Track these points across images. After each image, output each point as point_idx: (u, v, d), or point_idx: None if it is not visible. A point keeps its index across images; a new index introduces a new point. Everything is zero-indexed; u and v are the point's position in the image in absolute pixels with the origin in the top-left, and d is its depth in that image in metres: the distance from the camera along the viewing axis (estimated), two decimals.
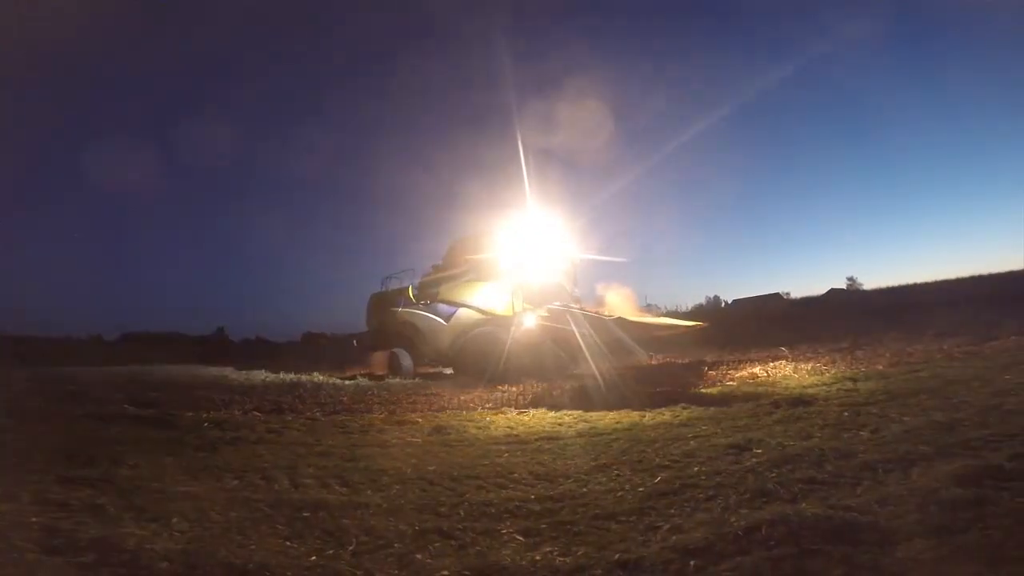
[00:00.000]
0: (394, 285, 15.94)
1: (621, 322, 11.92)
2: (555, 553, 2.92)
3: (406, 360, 14.19)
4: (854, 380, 7.96)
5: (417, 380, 13.00)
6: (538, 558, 2.85)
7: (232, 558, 2.87)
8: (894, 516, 3.06)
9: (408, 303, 14.98)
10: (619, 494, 3.80)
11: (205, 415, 7.07)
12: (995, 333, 12.97)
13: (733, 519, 3.15)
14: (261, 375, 12.94)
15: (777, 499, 3.50)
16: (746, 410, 6.42)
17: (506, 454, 5.14)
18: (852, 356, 10.88)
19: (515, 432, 6.14)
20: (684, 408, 6.77)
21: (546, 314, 12.61)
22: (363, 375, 13.97)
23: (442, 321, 13.99)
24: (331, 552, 2.99)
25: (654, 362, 13.91)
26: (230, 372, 14.20)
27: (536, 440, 5.67)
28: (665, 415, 6.53)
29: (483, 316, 13.37)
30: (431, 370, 15.36)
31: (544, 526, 3.31)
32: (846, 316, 20.66)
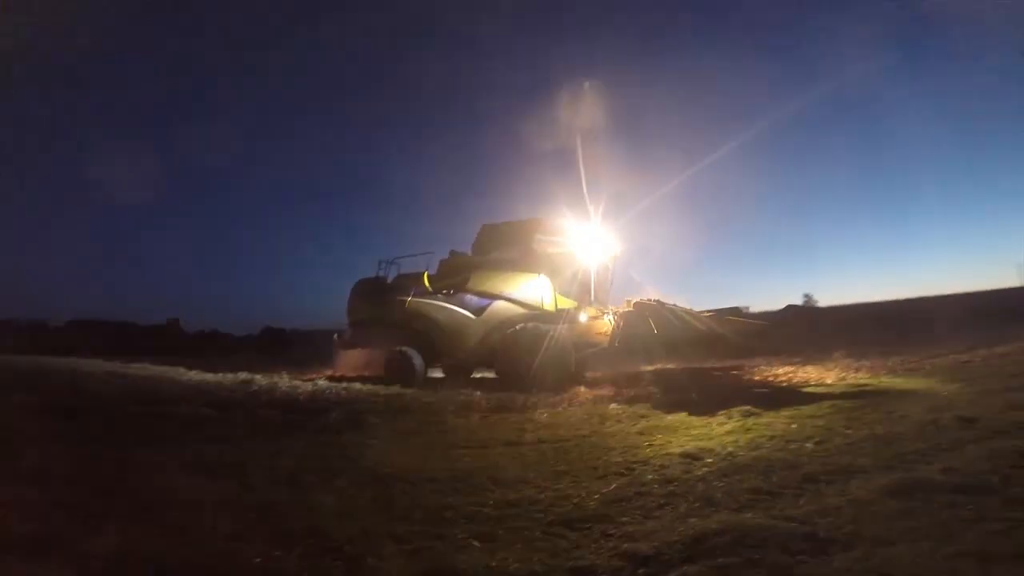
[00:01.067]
0: (394, 271, 13.40)
1: (713, 318, 11.75)
2: None
3: (418, 361, 11.83)
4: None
5: (429, 386, 10.76)
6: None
7: (170, 558, 2.79)
8: (833, 527, 3.19)
9: (422, 292, 12.43)
10: None
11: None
12: (937, 351, 13.74)
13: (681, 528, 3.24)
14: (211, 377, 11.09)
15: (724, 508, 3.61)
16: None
17: None
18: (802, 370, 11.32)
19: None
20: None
21: (630, 308, 11.93)
22: (330, 378, 12.15)
23: (470, 315, 11.85)
24: (277, 554, 2.93)
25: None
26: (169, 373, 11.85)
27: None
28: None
29: (526, 311, 11.63)
30: (438, 374, 13.23)
31: None
32: (803, 330, 21.26)
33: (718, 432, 5.95)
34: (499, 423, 6.96)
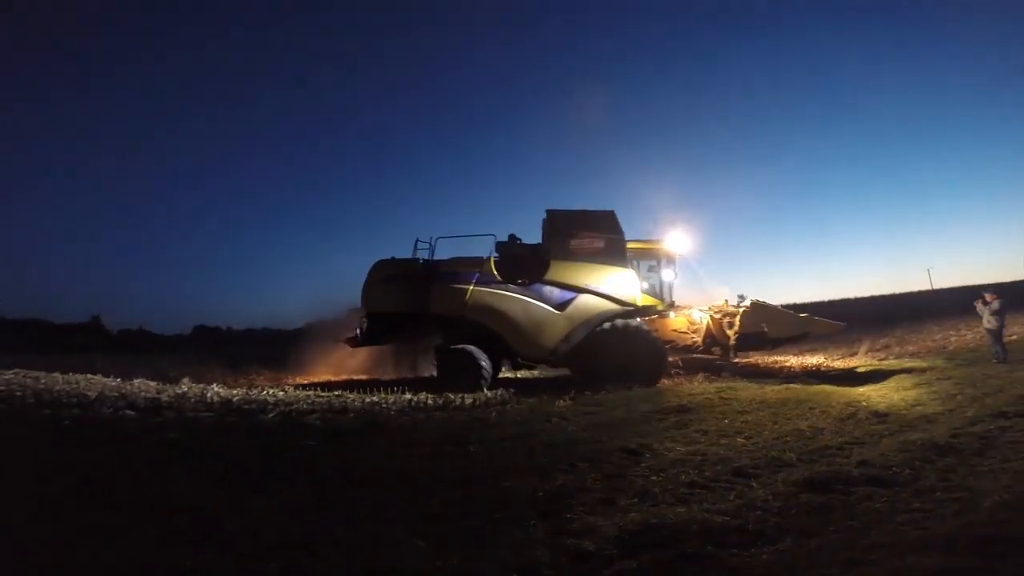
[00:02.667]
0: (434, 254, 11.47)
1: (807, 319, 12.10)
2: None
3: (485, 362, 10.54)
4: (734, 389, 8.70)
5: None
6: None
7: (94, 562, 2.60)
8: (760, 520, 3.36)
9: (488, 279, 10.94)
10: None
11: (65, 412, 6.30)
12: (855, 350, 15.17)
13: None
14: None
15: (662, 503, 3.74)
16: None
17: None
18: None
19: None
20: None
21: (747, 307, 11.84)
22: (310, 383, 11.06)
23: (551, 309, 10.72)
24: (210, 557, 2.78)
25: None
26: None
27: None
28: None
29: (614, 306, 10.80)
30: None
31: None
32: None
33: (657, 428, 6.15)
34: (445, 422, 6.89)
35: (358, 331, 11.67)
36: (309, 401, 8.37)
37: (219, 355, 17.33)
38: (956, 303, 20.65)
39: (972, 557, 2.70)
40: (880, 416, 6.28)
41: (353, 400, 8.55)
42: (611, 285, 10.85)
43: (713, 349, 12.66)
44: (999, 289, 12.56)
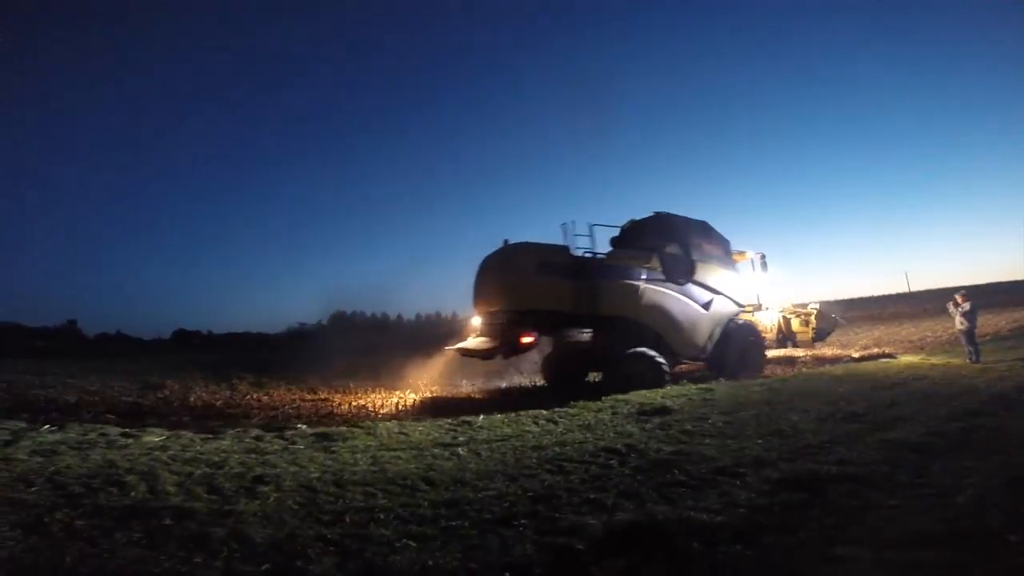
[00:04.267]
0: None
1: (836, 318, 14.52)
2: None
3: (664, 364, 10.03)
4: (710, 390, 8.84)
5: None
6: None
7: (79, 567, 2.57)
8: (743, 518, 3.43)
9: (654, 277, 10.53)
10: None
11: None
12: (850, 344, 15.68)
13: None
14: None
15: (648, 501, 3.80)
16: None
17: None
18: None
19: None
20: None
21: (817, 309, 13.78)
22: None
23: (700, 309, 11.00)
24: (199, 560, 2.77)
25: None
26: None
27: None
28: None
29: (735, 308, 11.82)
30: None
31: None
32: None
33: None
34: (432, 425, 6.89)
35: (483, 336, 10.28)
36: (294, 405, 8.32)
37: (201, 359, 17.08)
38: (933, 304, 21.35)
39: (948, 552, 2.78)
40: (858, 416, 6.42)
41: (339, 404, 8.52)
42: (731, 287, 11.73)
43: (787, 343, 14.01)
44: (970, 291, 12.96)
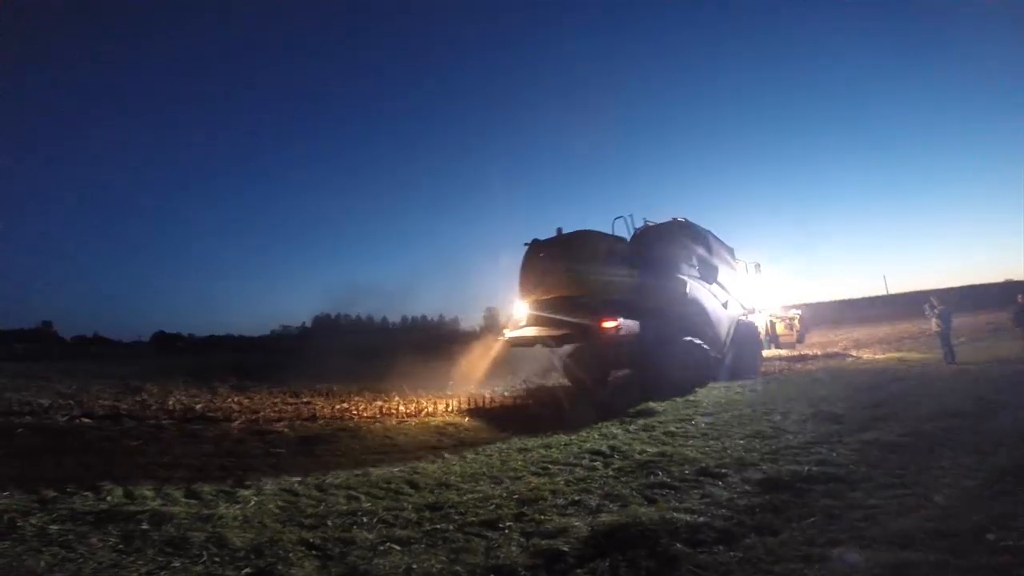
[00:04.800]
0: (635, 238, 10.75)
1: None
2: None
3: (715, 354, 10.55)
4: (695, 394, 8.90)
5: None
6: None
7: (54, 571, 2.50)
8: (725, 519, 3.46)
9: (694, 276, 10.76)
10: None
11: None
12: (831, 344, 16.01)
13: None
14: None
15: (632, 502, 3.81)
16: None
17: None
18: None
19: None
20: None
21: (801, 313, 14.63)
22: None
23: (723, 308, 11.32)
24: (177, 565, 2.71)
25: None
26: None
27: None
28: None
29: (743, 309, 12.32)
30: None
31: None
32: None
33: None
34: (417, 428, 6.85)
35: (539, 325, 9.97)
36: (276, 408, 8.22)
37: (182, 363, 16.80)
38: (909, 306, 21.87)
39: (926, 551, 2.83)
40: (838, 417, 6.51)
41: (321, 407, 8.43)
42: (739, 289, 12.17)
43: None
44: (944, 294, 13.36)
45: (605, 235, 10.17)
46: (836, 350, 17.54)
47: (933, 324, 12.34)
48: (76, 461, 4.73)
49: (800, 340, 15.09)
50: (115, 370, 12.88)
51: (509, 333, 10.41)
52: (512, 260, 10.82)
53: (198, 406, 8.17)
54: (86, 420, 6.47)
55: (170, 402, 8.39)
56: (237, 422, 6.98)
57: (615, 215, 13.72)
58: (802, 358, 15.28)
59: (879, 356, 15.55)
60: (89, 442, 5.45)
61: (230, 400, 9.03)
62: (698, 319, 10.33)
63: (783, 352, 15.57)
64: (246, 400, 9.23)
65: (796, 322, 14.68)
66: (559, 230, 10.32)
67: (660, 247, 10.55)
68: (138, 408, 7.50)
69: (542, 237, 10.57)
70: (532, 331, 9.87)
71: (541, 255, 10.24)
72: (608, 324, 8.87)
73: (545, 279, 9.94)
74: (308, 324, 53.95)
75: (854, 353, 16.50)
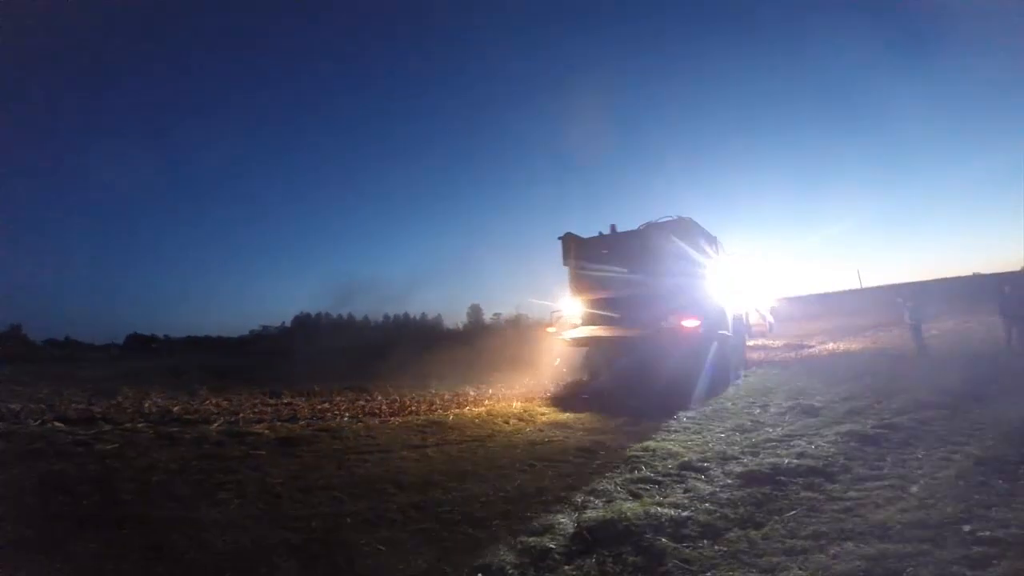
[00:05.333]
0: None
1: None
2: None
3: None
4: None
5: None
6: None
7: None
8: (708, 512, 3.50)
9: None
10: None
11: None
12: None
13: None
14: None
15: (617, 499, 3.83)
16: None
17: None
18: None
19: None
20: None
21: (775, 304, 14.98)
22: None
23: (728, 299, 11.56)
24: (160, 570, 2.65)
25: None
26: None
27: None
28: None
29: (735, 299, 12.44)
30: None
31: None
32: None
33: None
34: (400, 427, 6.80)
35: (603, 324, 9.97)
36: (255, 409, 8.09)
37: (158, 364, 16.45)
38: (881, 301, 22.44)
39: (904, 543, 2.90)
40: (815, 410, 6.64)
41: (302, 407, 8.31)
42: (733, 282, 12.17)
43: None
44: (916, 287, 13.75)
45: (661, 230, 10.24)
46: (811, 342, 18.10)
47: (906, 316, 12.70)
48: (49, 467, 4.59)
49: (771, 330, 15.60)
50: (88, 373, 12.53)
51: (572, 333, 10.35)
52: (540, 256, 11.01)
53: (175, 408, 7.99)
54: (59, 425, 6.29)
55: (146, 405, 8.20)
56: (216, 424, 6.84)
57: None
58: (785, 348, 16.02)
59: (854, 346, 16.00)
60: (63, 448, 5.29)
61: (208, 402, 8.86)
62: (719, 314, 10.50)
63: (765, 342, 16.24)
64: (224, 402, 9.06)
65: (769, 314, 15.11)
66: (613, 227, 10.69)
67: (683, 244, 10.43)
68: (113, 412, 7.31)
69: (582, 234, 10.91)
70: (600, 330, 9.90)
71: (604, 251, 10.40)
72: (690, 323, 9.09)
73: (604, 277, 10.14)
74: (288, 324, 53.27)
75: (831, 345, 16.94)
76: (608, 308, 10.12)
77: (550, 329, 10.95)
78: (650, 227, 10.37)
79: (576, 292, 10.54)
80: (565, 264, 10.83)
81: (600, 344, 10.08)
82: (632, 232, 10.53)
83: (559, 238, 10.98)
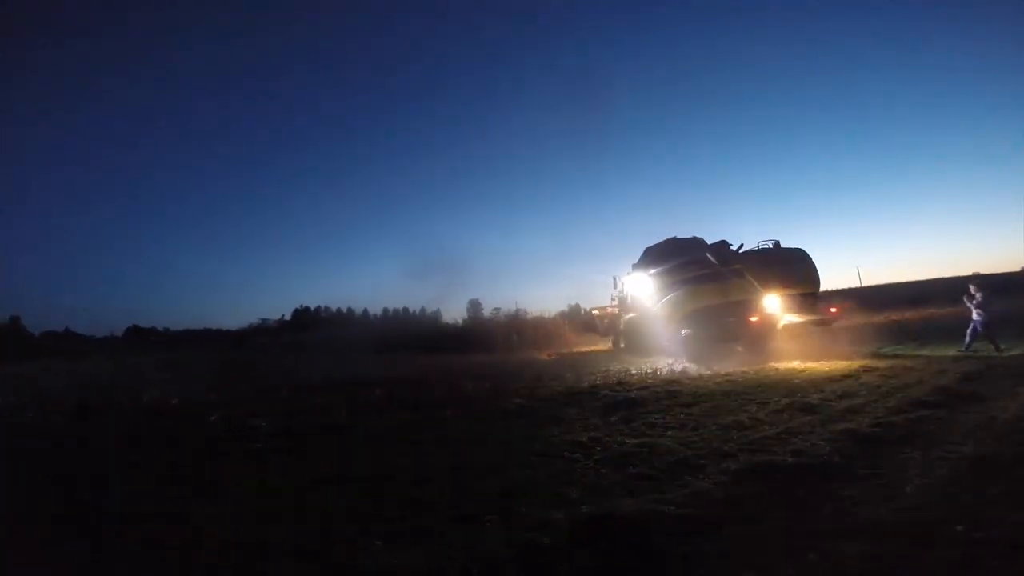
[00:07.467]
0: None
1: None
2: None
3: None
4: (674, 382, 9.04)
5: None
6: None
7: (25, 573, 2.44)
8: (705, 509, 3.51)
9: None
10: None
11: None
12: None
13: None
14: None
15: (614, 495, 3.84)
16: None
17: None
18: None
19: None
20: None
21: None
22: None
23: None
24: (154, 564, 2.66)
25: None
26: None
27: None
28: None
29: None
30: None
31: None
32: None
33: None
34: (400, 422, 6.80)
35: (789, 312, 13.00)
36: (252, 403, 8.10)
37: (157, 357, 16.44)
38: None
39: (899, 542, 2.90)
40: (812, 407, 6.65)
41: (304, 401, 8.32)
42: None
43: None
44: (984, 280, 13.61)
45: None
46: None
47: (974, 314, 11.96)
48: (45, 461, 4.61)
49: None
50: (87, 366, 12.52)
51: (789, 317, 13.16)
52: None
53: (173, 401, 8.01)
54: (56, 418, 6.30)
55: (144, 397, 8.21)
56: (214, 417, 6.86)
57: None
58: None
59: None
60: (59, 441, 5.31)
61: (207, 394, 8.87)
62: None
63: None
64: (223, 395, 9.08)
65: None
66: (724, 241, 14.16)
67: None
68: (111, 404, 7.32)
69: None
70: (796, 318, 13.04)
71: (790, 260, 13.64)
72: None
73: (789, 277, 13.30)
74: (287, 317, 53.11)
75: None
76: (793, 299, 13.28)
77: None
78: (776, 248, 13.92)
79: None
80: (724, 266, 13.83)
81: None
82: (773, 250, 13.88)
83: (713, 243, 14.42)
